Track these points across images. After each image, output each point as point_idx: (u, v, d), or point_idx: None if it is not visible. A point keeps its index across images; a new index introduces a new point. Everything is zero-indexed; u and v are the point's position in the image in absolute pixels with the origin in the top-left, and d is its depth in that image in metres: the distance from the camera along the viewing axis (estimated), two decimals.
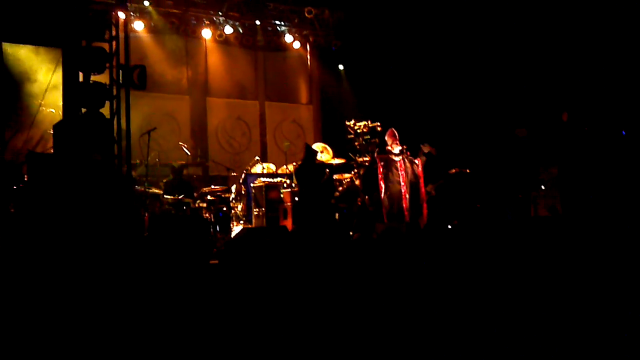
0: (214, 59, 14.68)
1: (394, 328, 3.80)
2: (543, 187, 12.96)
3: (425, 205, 11.08)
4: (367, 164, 11.79)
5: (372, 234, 10.02)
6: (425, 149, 11.39)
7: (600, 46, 12.76)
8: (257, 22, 14.70)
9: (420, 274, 4.33)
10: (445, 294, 4.03)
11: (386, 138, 11.49)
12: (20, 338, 4.03)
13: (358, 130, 12.39)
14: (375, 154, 11.14)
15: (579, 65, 13.18)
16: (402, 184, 11.06)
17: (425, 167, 11.35)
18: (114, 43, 9.35)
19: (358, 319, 3.85)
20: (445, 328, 3.81)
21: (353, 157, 12.17)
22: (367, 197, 11.24)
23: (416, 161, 11.23)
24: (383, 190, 10.99)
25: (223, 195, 11.60)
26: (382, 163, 10.97)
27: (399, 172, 11.09)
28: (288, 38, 15.24)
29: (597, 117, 13.08)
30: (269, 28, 14.99)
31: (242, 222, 11.97)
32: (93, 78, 9.00)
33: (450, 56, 14.21)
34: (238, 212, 12.09)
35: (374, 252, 4.59)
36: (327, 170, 11.50)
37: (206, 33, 14.33)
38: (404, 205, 10.97)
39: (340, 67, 16.12)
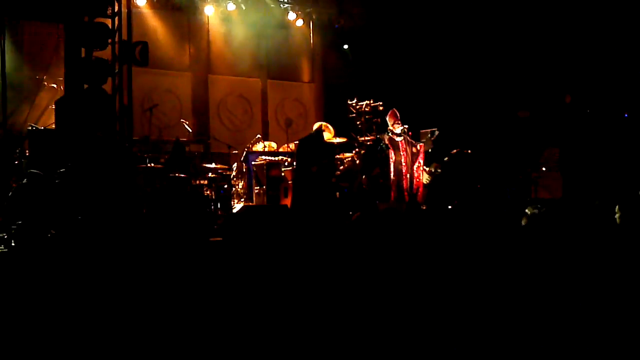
0: (216, 36, 14.62)
1: (393, 309, 3.84)
2: (544, 169, 12.98)
3: (421, 187, 11.14)
4: (368, 143, 11.79)
5: (373, 214, 10.05)
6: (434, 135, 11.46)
7: (603, 29, 12.70)
8: None
9: (418, 256, 4.35)
10: (445, 278, 4.06)
11: (387, 118, 11.48)
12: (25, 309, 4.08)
13: (360, 110, 12.37)
14: (387, 140, 11.12)
15: (582, 47, 13.12)
16: (404, 164, 11.08)
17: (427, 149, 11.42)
18: (116, 19, 9.32)
19: (358, 301, 3.88)
20: (444, 312, 3.84)
21: (354, 137, 12.16)
22: (364, 176, 11.26)
23: (418, 146, 11.26)
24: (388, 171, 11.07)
25: (224, 173, 11.62)
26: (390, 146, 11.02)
27: (401, 153, 11.11)
28: (291, 15, 15.15)
29: (599, 99, 13.06)
30: (272, 5, 14.89)
31: (242, 199, 12.01)
32: (95, 54, 8.99)
33: (454, 36, 14.15)
34: (239, 189, 12.12)
35: (372, 233, 4.61)
36: (334, 151, 11.53)
37: (209, 9, 14.25)
38: (405, 185, 11.00)
39: (345, 46, 16.00)
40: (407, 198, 10.85)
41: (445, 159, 11.69)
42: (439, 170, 11.51)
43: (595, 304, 3.91)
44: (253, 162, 11.96)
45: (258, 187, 11.65)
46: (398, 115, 11.36)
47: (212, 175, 11.33)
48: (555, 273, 4.15)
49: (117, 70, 9.22)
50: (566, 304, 3.92)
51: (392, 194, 11.00)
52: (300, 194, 10.69)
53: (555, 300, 3.94)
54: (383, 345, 3.70)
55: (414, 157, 11.20)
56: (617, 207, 5.03)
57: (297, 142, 11.56)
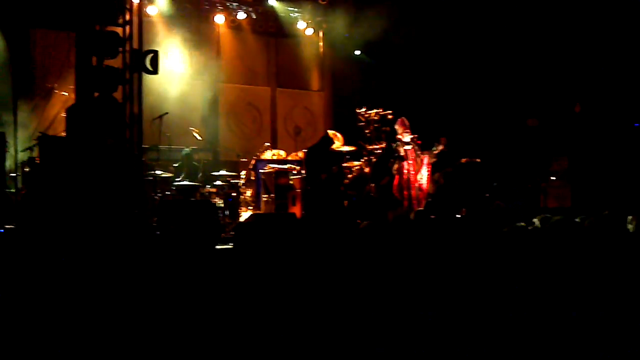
0: (227, 45, 14.65)
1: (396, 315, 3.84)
2: (553, 178, 12.95)
3: (424, 196, 11.17)
4: (377, 151, 11.80)
5: (383, 222, 10.04)
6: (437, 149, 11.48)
7: (613, 38, 12.68)
8: (270, 8, 14.68)
9: (425, 264, 4.36)
10: (450, 285, 4.06)
11: (396, 127, 11.49)
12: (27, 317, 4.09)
13: (369, 118, 12.38)
14: (402, 151, 11.15)
15: (592, 57, 13.10)
16: (412, 172, 11.10)
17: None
18: (127, 27, 9.37)
19: (367, 309, 3.88)
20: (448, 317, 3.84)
21: (363, 145, 12.18)
22: (373, 184, 11.26)
23: (425, 158, 11.28)
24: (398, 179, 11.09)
25: (232, 181, 11.64)
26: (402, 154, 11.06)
27: (409, 161, 11.13)
28: (301, 24, 15.19)
29: (609, 108, 13.03)
30: (282, 14, 14.95)
31: (251, 208, 12.02)
32: (106, 62, 9.04)
33: (463, 45, 14.15)
34: (247, 197, 12.14)
35: (382, 241, 4.61)
36: (342, 159, 11.56)
37: (219, 18, 14.32)
38: (413, 193, 11.01)
39: (357, 52, 15.95)
40: (415, 207, 10.87)
41: (449, 169, 11.68)
42: (442, 180, 11.51)
43: (606, 312, 3.90)
44: (261, 170, 11.98)
45: (266, 195, 11.67)
46: (407, 123, 11.37)
47: (221, 183, 11.36)
48: (566, 282, 4.14)
49: (127, 79, 9.27)
50: (574, 312, 3.91)
51: (405, 202, 11.04)
52: (310, 202, 10.71)
53: (563, 308, 3.94)
54: (390, 352, 3.71)
55: (419, 166, 11.24)
56: (630, 217, 5.01)
57: (305, 150, 11.58)
